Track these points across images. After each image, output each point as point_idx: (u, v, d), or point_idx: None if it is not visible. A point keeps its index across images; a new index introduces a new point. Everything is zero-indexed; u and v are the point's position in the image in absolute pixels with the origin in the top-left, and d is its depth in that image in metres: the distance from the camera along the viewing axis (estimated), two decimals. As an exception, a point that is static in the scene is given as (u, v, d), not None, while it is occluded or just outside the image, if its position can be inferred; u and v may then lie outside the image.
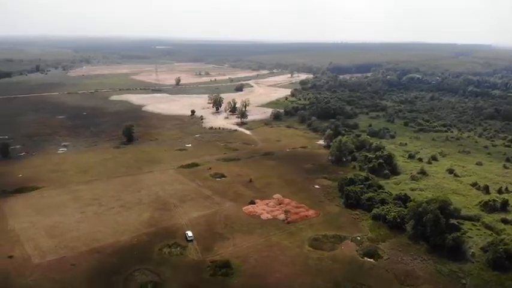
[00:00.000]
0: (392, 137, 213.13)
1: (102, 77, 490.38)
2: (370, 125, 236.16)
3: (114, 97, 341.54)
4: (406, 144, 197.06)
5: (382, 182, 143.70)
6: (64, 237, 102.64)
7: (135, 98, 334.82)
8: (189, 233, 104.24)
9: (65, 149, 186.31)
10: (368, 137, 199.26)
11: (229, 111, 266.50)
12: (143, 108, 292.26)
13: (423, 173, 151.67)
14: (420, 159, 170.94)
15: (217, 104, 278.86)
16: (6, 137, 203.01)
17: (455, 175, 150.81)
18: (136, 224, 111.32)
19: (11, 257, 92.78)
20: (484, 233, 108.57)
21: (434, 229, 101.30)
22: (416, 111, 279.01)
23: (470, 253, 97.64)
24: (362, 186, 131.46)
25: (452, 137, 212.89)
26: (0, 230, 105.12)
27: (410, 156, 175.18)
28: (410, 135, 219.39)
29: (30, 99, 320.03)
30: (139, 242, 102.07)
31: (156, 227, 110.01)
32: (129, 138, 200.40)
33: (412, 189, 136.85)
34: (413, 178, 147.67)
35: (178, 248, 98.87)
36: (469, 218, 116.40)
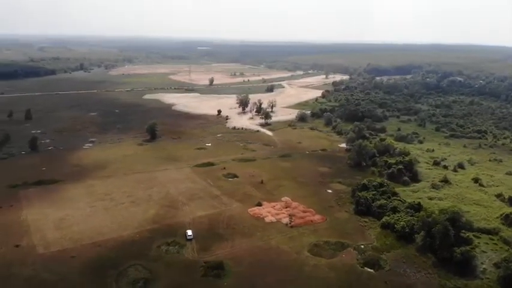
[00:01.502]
0: (421, 142, 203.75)
1: (141, 76, 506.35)
2: (399, 129, 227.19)
3: (148, 96, 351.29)
4: (433, 150, 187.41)
5: (399, 189, 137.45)
6: (70, 230, 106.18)
7: (167, 97, 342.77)
8: (189, 232, 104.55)
9: (90, 145, 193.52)
10: (393, 141, 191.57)
11: (255, 112, 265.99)
12: (173, 107, 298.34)
13: (445, 181, 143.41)
14: (445, 167, 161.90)
15: (243, 104, 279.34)
16: (39, 131, 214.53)
17: (481, 185, 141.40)
18: (141, 220, 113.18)
19: (17, 246, 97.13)
20: (501, 248, 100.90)
21: (443, 242, 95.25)
22: (452, 116, 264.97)
23: (481, 269, 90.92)
24: (375, 192, 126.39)
25: (485, 144, 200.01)
26: (13, 220, 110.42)
27: (436, 163, 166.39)
28: (440, 140, 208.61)
29: (68, 96, 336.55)
30: (141, 238, 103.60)
31: (159, 224, 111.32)
32: (152, 135, 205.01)
33: (430, 198, 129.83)
34: (433, 186, 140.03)
35: (176, 247, 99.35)
36: (487, 231, 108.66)
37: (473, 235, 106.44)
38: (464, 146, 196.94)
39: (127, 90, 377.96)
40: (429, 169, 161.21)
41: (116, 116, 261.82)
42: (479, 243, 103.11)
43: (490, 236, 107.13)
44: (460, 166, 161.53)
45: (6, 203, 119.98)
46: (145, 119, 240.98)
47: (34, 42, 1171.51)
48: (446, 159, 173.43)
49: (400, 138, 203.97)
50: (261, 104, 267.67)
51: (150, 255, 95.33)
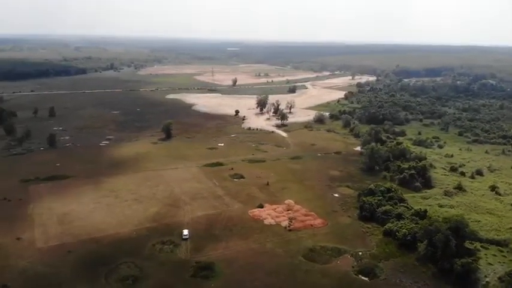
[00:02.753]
0: (440, 147, 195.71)
1: (168, 76, 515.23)
2: (419, 133, 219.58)
3: (171, 95, 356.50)
4: (452, 155, 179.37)
5: (408, 195, 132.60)
6: (71, 225, 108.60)
7: (189, 97, 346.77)
8: (185, 232, 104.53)
9: (107, 142, 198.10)
10: (409, 145, 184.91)
11: (272, 113, 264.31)
12: (193, 107, 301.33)
13: (460, 188, 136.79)
14: (463, 173, 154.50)
15: (261, 105, 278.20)
16: (61, 128, 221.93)
17: (497, 193, 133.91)
18: (141, 218, 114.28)
19: (19, 239, 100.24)
20: (510, 260, 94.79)
21: (444, 252, 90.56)
22: (478, 120, 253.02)
23: (484, 282, 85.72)
24: (381, 198, 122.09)
25: (509, 151, 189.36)
26: (20, 213, 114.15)
27: (453, 169, 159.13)
28: (462, 146, 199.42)
29: (94, 95, 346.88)
30: (138, 235, 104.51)
31: (158, 222, 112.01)
32: (167, 134, 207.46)
33: (441, 206, 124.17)
34: (446, 193, 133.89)
35: (170, 246, 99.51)
36: (496, 242, 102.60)
37: (481, 246, 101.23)
38: (486, 152, 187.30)
39: (151, 90, 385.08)
40: (445, 175, 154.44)
41: (136, 115, 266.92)
42: (486, 254, 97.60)
43: (499, 247, 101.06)
44: (479, 173, 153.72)
45: (16, 197, 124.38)
46: (164, 118, 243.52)
47: (71, 42, 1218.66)
48: (464, 165, 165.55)
49: (419, 143, 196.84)
50: (278, 105, 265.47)
51: (143, 254, 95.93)
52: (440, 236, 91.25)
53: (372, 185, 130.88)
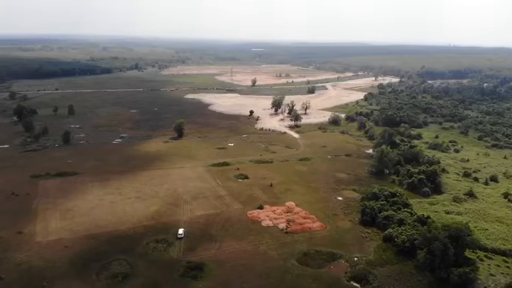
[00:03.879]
0: (457, 151, 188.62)
1: (189, 77, 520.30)
2: (437, 136, 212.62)
3: (189, 95, 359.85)
4: (468, 160, 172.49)
5: (414, 200, 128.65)
6: (72, 221, 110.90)
7: (207, 97, 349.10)
8: (180, 231, 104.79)
9: (120, 140, 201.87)
10: (423, 149, 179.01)
11: (287, 114, 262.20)
12: (209, 107, 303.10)
13: (470, 194, 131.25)
14: (476, 179, 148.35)
15: (276, 105, 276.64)
16: (78, 126, 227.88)
17: (510, 200, 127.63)
18: (141, 216, 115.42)
19: (20, 232, 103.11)
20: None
21: (442, 260, 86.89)
22: (500, 124, 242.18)
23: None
24: (384, 202, 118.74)
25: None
26: (25, 207, 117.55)
27: (466, 175, 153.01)
28: (480, 150, 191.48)
29: (116, 94, 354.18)
30: (134, 233, 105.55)
31: (156, 220, 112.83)
32: (179, 134, 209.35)
33: (447, 212, 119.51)
34: (455, 199, 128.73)
35: (164, 244, 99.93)
36: (502, 252, 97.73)
37: (485, 255, 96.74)
38: (505, 158, 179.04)
39: (171, 90, 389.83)
40: (457, 180, 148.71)
41: (153, 114, 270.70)
42: (489, 265, 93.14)
43: (504, 257, 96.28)
44: (493, 179, 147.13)
45: (24, 192, 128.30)
46: (179, 118, 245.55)
47: (101, 42, 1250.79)
48: (480, 170, 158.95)
49: (434, 146, 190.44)
50: (293, 106, 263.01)
51: (137, 251, 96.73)
52: (438, 244, 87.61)
53: (376, 189, 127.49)
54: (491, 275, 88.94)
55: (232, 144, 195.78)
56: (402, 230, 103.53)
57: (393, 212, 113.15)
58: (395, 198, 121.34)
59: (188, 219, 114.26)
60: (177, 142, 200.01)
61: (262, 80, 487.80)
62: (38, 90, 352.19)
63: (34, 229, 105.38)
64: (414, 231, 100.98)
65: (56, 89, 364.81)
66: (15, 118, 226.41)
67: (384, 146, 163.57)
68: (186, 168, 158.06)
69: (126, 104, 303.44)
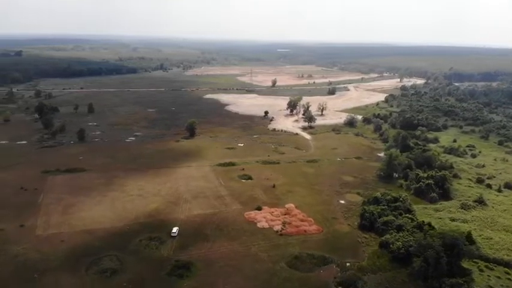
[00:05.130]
0: (474, 156, 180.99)
1: (211, 77, 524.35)
2: (455, 140, 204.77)
3: (208, 95, 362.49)
4: (483, 165, 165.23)
5: (419, 205, 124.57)
6: (73, 216, 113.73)
7: (225, 97, 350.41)
8: (174, 229, 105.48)
9: (133, 138, 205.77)
10: (437, 153, 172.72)
11: (302, 115, 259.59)
12: (225, 107, 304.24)
13: (480, 201, 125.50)
14: (489, 186, 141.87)
15: (292, 106, 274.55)
16: (95, 123, 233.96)
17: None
18: (140, 213, 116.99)
19: (22, 226, 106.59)
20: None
21: (436, 269, 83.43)
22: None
23: (476, 307, 77.83)
24: (385, 207, 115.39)
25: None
26: (31, 201, 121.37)
27: (479, 181, 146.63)
28: (499, 155, 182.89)
29: (137, 93, 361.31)
30: (130, 230, 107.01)
31: (154, 218, 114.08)
32: (191, 133, 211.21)
33: (452, 220, 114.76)
34: (463, 206, 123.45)
35: (157, 242, 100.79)
36: (504, 263, 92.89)
37: (486, 266, 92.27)
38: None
39: (192, 90, 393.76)
40: (469, 186, 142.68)
41: (170, 113, 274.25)
42: (489, 276, 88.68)
43: (506, 268, 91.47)
44: (508, 186, 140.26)
45: (32, 186, 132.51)
46: (195, 117, 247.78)
47: (132, 43, 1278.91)
48: (495, 177, 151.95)
49: (450, 151, 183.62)
50: (308, 107, 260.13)
51: (129, 248, 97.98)
52: (431, 252, 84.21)
53: (379, 193, 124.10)
54: (489, 286, 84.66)
55: (242, 145, 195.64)
56: (399, 236, 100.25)
57: (393, 218, 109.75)
58: (397, 203, 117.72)
59: (185, 217, 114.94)
60: (188, 141, 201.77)
61: (284, 80, 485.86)
62: (63, 89, 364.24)
63: (36, 223, 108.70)
64: (411, 238, 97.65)
65: (81, 88, 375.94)
66: (36, 115, 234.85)
67: (393, 149, 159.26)
68: (192, 168, 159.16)
69: (145, 103, 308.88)
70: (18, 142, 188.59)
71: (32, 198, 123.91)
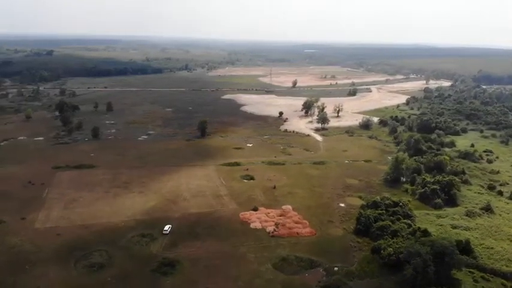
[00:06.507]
0: (490, 161, 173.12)
1: (233, 77, 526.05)
2: (473, 145, 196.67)
3: (227, 96, 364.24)
4: (498, 172, 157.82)
5: (422, 211, 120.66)
6: (73, 211, 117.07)
7: (243, 98, 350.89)
8: (166, 227, 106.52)
9: (145, 137, 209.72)
10: (450, 158, 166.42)
11: (316, 116, 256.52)
12: (241, 107, 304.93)
13: (487, 209, 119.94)
14: (500, 193, 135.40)
15: (307, 107, 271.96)
16: (112, 122, 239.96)
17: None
18: (137, 210, 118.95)
19: (23, 218, 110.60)
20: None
21: (423, 278, 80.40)
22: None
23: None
24: (382, 212, 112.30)
25: None
26: (36, 196, 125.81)
27: (490, 187, 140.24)
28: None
29: (158, 93, 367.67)
30: (125, 226, 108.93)
31: (150, 215, 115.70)
32: (202, 132, 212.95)
33: (454, 227, 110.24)
34: (468, 214, 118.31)
35: (148, 239, 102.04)
36: (502, 274, 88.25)
37: (482, 276, 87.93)
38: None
39: (211, 90, 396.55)
40: (479, 193, 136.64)
41: (186, 113, 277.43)
42: (483, 287, 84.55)
43: (504, 280, 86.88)
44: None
45: (39, 181, 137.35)
46: (210, 117, 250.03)
47: (162, 43, 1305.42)
48: (508, 183, 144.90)
49: (465, 155, 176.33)
50: (323, 108, 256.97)
51: (120, 244, 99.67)
52: (418, 260, 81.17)
53: (378, 197, 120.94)
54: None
55: (251, 145, 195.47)
56: (392, 242, 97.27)
57: (389, 223, 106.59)
58: (396, 208, 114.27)
59: (180, 216, 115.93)
60: (199, 141, 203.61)
61: (305, 81, 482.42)
62: (88, 88, 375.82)
63: (36, 216, 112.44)
64: (404, 244, 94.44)
65: (105, 87, 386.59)
66: (56, 113, 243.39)
67: (400, 153, 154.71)
68: (197, 167, 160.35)
69: (164, 103, 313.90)
70: (36, 138, 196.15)
71: (37, 193, 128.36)
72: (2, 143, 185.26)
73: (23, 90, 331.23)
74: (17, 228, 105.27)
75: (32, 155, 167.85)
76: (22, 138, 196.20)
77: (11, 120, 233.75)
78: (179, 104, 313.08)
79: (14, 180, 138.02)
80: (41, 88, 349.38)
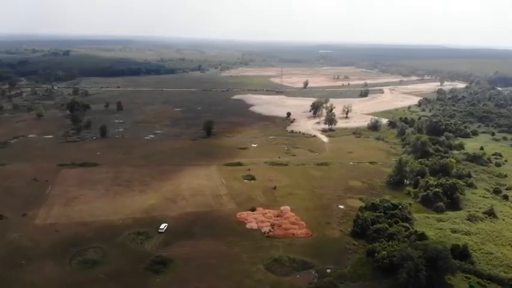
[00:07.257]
0: (498, 165, 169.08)
1: (245, 78, 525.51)
2: (482, 148, 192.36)
3: (237, 96, 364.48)
4: (505, 176, 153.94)
5: (422, 215, 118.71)
6: (73, 208, 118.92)
7: (253, 98, 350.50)
8: (162, 226, 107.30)
9: (152, 136, 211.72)
10: (456, 161, 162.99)
11: (324, 117, 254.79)
12: (250, 108, 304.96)
13: (490, 213, 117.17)
14: (506, 197, 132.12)
15: (315, 108, 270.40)
16: (121, 121, 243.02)
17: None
18: (136, 208, 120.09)
19: (24, 215, 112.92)
20: (503, 305, 78.87)
21: (415, 282, 79.01)
22: None
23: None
24: (380, 214, 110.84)
25: None
26: (39, 192, 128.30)
27: (496, 191, 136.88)
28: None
29: (169, 93, 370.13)
30: (122, 224, 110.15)
31: (148, 214, 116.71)
32: (208, 132, 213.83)
33: (454, 231, 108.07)
34: (470, 218, 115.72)
35: (143, 237, 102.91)
36: (499, 281, 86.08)
37: (478, 282, 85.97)
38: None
39: (222, 91, 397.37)
40: (483, 197, 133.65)
41: (195, 113, 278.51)
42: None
43: (500, 286, 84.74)
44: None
45: (44, 178, 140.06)
46: (216, 117, 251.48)
47: (177, 44, 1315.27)
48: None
49: (473, 158, 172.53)
50: (331, 109, 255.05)
51: (115, 241, 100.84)
52: (410, 264, 79.81)
53: (377, 199, 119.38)
54: (475, 305, 79.05)
55: (255, 145, 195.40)
56: (388, 245, 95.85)
57: (386, 225, 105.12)
58: (395, 211, 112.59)
59: (177, 214, 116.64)
60: (204, 140, 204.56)
61: (317, 82, 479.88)
62: (101, 87, 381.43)
63: (37, 213, 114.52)
64: (398, 248, 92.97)
65: (118, 87, 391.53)
66: (67, 112, 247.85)
67: (404, 155, 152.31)
68: (199, 166, 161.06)
69: (174, 103, 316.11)
70: (45, 136, 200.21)
71: (40, 190, 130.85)
72: (12, 141, 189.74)
73: (37, 89, 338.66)
74: (18, 224, 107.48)
75: (40, 153, 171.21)
76: (32, 136, 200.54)
77: (23, 119, 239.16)
78: (189, 104, 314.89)
79: (19, 177, 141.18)
80: (55, 87, 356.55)
